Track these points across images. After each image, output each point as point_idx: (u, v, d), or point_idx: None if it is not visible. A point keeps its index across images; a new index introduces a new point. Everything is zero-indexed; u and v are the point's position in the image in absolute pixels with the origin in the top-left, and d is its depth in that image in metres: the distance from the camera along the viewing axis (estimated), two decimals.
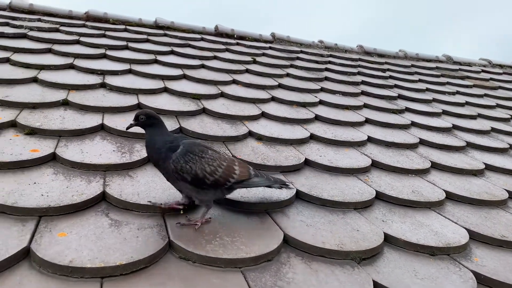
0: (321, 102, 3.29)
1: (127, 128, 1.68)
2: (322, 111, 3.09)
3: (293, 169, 2.17)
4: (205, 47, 4.12)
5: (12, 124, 2.07)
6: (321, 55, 4.74)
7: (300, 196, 1.93)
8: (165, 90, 2.92)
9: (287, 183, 1.77)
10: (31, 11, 4.11)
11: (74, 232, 1.41)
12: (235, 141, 2.37)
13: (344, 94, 3.62)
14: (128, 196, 1.64)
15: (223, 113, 2.68)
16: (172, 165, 1.53)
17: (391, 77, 4.49)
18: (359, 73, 4.36)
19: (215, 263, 1.38)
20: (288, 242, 1.58)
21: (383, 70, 4.67)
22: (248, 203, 1.77)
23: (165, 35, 4.29)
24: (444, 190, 2.24)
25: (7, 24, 3.59)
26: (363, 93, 3.76)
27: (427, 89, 4.29)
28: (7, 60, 2.87)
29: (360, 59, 4.92)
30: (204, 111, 2.71)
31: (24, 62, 2.85)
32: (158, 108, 2.54)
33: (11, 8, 4.07)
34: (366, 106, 3.43)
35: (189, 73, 3.29)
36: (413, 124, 3.23)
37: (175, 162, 1.52)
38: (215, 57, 3.91)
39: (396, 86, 4.19)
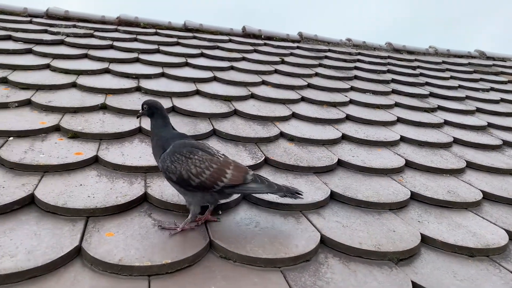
0: (352, 102, 3.29)
1: (137, 117, 1.74)
2: (353, 110, 3.08)
3: (326, 170, 2.18)
4: (233, 49, 4.18)
5: (56, 128, 2.18)
6: (350, 54, 4.71)
7: (334, 197, 1.94)
8: (197, 92, 2.99)
9: (298, 192, 1.59)
10: (66, 17, 4.27)
11: (120, 232, 1.48)
12: (267, 142, 2.41)
13: (375, 93, 3.59)
14: (169, 197, 1.70)
15: (254, 114, 2.72)
16: (160, 164, 1.57)
17: (421, 74, 4.42)
18: (389, 71, 4.32)
19: (255, 262, 1.42)
20: (325, 243, 1.60)
21: (413, 68, 4.60)
22: (283, 204, 1.79)
23: (194, 37, 4.37)
24: (480, 190, 2.21)
25: (45, 31, 3.75)
26: (394, 91, 3.73)
27: (460, 86, 4.21)
28: (47, 66, 3.00)
29: (389, 57, 4.87)
30: (236, 112, 2.76)
31: (63, 68, 2.98)
32: (192, 111, 2.61)
33: (48, 15, 4.24)
34: (397, 105, 3.39)
35: (219, 75, 3.35)
36: (446, 122, 3.18)
37: (162, 161, 1.56)
38: (243, 58, 3.96)
39: (427, 83, 4.12)
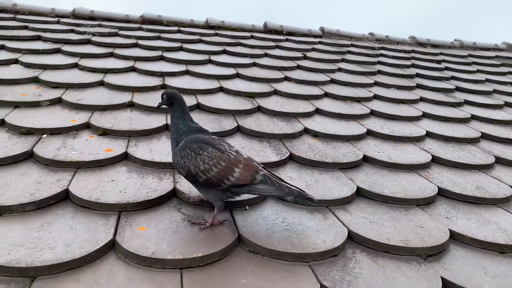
0: (376, 97, 3.26)
1: (158, 107, 1.76)
2: (377, 106, 3.06)
3: (352, 166, 2.18)
4: (255, 45, 4.19)
5: (87, 126, 2.24)
6: (373, 48, 4.66)
7: (361, 193, 1.94)
8: (221, 89, 3.02)
9: (309, 198, 1.52)
10: (92, 17, 4.37)
11: (152, 226, 1.52)
12: (292, 138, 2.42)
13: (399, 87, 3.55)
14: (197, 192, 1.73)
15: (278, 110, 2.73)
16: (172, 157, 1.61)
17: (447, 68, 4.34)
18: (413, 66, 4.26)
19: (283, 257, 1.44)
20: (353, 238, 1.61)
21: (438, 62, 4.52)
22: None
23: (216, 34, 4.40)
24: (510, 186, 2.17)
25: (72, 31, 3.85)
26: (419, 86, 3.67)
27: (487, 80, 4.11)
28: (75, 65, 3.08)
29: (413, 51, 4.79)
30: (259, 109, 2.77)
31: (90, 67, 3.05)
32: (216, 107, 2.64)
33: (74, 15, 4.35)
34: (422, 99, 3.35)
35: (242, 72, 3.37)
36: (474, 117, 3.12)
37: (173, 156, 1.60)
38: (265, 55, 3.97)
39: (453, 77, 4.05)
